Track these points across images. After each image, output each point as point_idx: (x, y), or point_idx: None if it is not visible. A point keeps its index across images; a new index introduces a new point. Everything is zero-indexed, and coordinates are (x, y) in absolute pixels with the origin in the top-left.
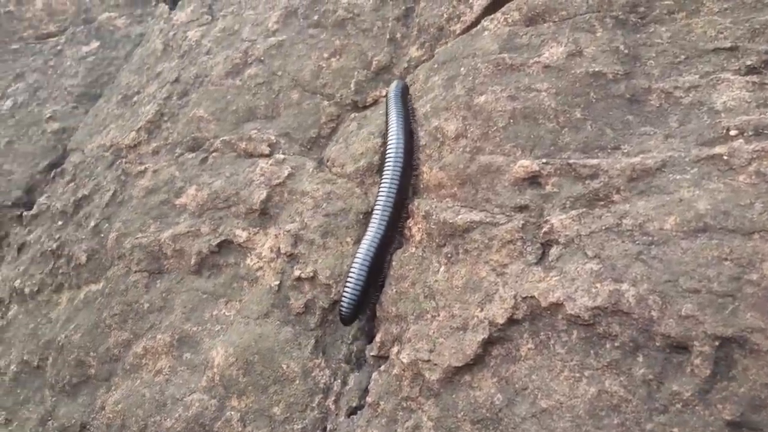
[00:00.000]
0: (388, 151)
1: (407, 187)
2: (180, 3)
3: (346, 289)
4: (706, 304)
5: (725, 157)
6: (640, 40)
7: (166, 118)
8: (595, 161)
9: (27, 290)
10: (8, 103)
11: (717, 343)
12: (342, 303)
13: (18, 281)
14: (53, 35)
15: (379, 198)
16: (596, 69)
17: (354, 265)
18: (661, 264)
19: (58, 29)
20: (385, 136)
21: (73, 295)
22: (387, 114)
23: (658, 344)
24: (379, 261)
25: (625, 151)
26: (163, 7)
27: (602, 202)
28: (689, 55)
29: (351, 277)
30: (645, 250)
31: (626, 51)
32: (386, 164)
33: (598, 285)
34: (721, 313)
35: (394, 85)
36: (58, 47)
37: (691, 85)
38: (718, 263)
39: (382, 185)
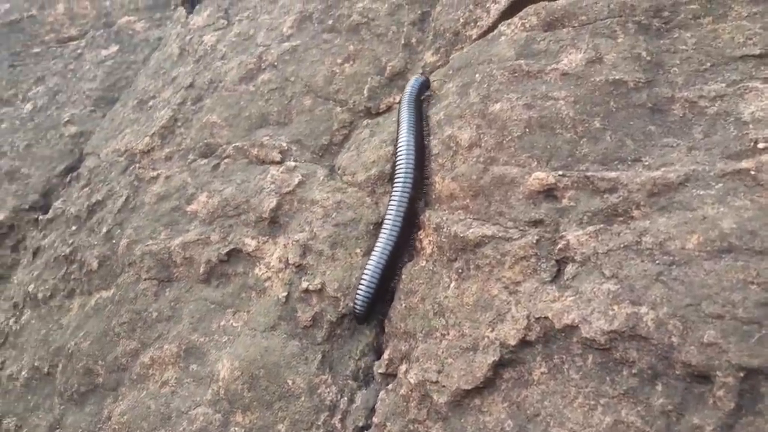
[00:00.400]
0: (400, 147)
1: (422, 184)
2: (197, 7)
3: (361, 286)
4: (731, 331)
5: (752, 172)
6: (663, 46)
7: (179, 124)
8: (614, 174)
9: (40, 295)
10: (28, 106)
11: (742, 374)
12: (356, 300)
13: (32, 286)
14: (74, 39)
15: (393, 199)
16: (617, 77)
17: (370, 262)
18: (683, 286)
19: (79, 33)
20: (398, 125)
21: (84, 302)
22: (399, 111)
23: (678, 373)
24: (395, 260)
25: (647, 163)
26: (181, 11)
27: (621, 218)
28: (715, 63)
29: (366, 274)
30: (665, 271)
31: (649, 58)
32: (399, 161)
33: (616, 307)
34: (746, 341)
35: (411, 81)
36: (79, 51)
37: (717, 94)
38: (744, 287)
39: (396, 184)
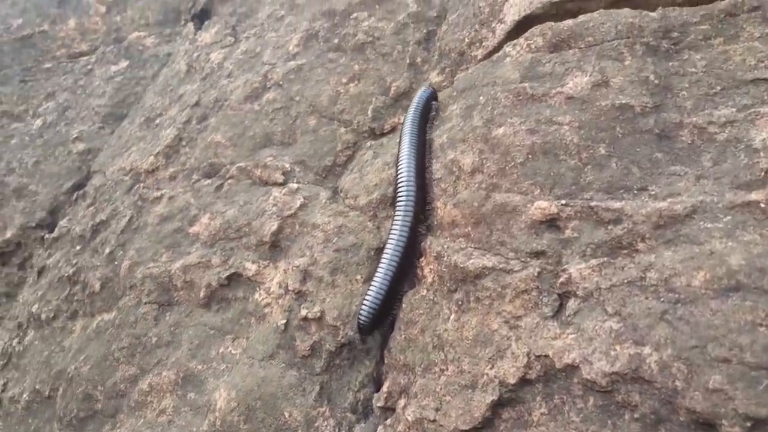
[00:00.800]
0: (401, 157)
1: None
2: (206, 23)
3: (367, 296)
4: (738, 376)
5: (762, 205)
6: (672, 68)
7: (184, 143)
8: (618, 204)
9: (43, 316)
10: (38, 122)
11: (749, 424)
12: (361, 311)
13: (35, 306)
14: (85, 54)
15: (397, 215)
16: (623, 101)
17: (377, 274)
18: (688, 327)
19: (90, 48)
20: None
21: (86, 324)
22: (403, 124)
23: (682, 419)
24: (402, 272)
25: (653, 193)
26: (190, 27)
27: (625, 251)
28: (726, 86)
29: (373, 286)
30: (670, 310)
31: (657, 81)
32: (401, 173)
33: (618, 347)
34: (754, 388)
35: (418, 95)
36: (89, 66)
37: (727, 120)
38: (752, 329)
39: (398, 200)
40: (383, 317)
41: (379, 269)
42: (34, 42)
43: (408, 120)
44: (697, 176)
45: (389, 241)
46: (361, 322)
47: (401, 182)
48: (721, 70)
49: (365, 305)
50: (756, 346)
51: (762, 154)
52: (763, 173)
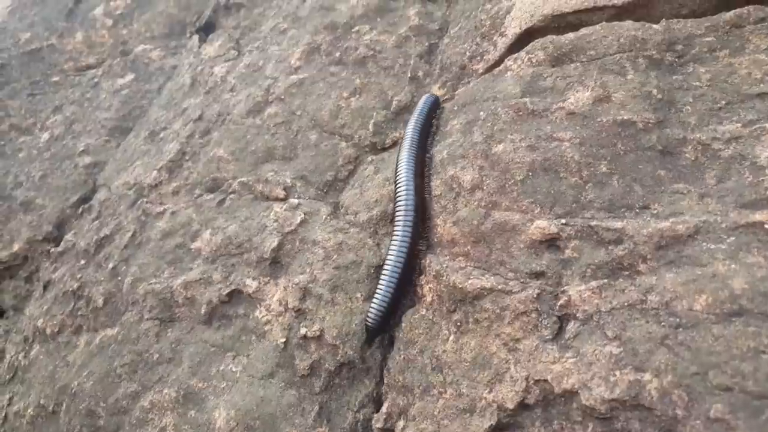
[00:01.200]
0: (401, 157)
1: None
2: (210, 36)
3: (375, 297)
4: (740, 405)
5: (766, 226)
6: (676, 82)
7: (187, 158)
8: (619, 224)
9: (48, 330)
10: (45, 135)
11: None
12: (369, 313)
13: (41, 321)
14: (92, 67)
15: (398, 216)
16: (625, 117)
17: (383, 275)
18: (689, 352)
19: (97, 61)
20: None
21: (90, 339)
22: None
23: None
24: (408, 273)
25: (655, 212)
26: (194, 41)
27: (626, 272)
28: (731, 101)
29: (380, 288)
30: (671, 334)
31: (660, 96)
32: (399, 174)
33: (618, 373)
34: (756, 418)
35: (421, 101)
36: (95, 80)
37: (732, 136)
38: (755, 356)
39: (398, 204)
40: (390, 319)
41: (384, 272)
42: (43, 55)
43: (408, 133)
44: (701, 194)
45: (392, 245)
46: (369, 324)
47: (400, 184)
48: (726, 84)
49: (372, 308)
50: (759, 374)
51: (767, 171)
52: (767, 192)
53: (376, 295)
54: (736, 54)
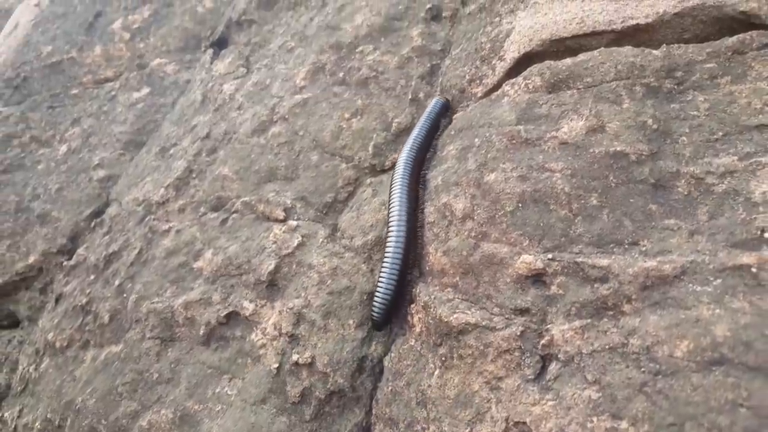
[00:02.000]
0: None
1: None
2: (222, 53)
3: (378, 291)
4: None
5: (753, 270)
6: (672, 111)
7: (194, 175)
8: (606, 262)
9: (58, 344)
10: (63, 148)
11: None
12: (374, 306)
13: (51, 334)
14: (109, 80)
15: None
16: (618, 148)
17: (384, 266)
18: (667, 402)
19: (114, 74)
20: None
21: (96, 355)
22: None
23: None
24: (408, 260)
25: (643, 249)
26: (207, 56)
27: (611, 312)
28: (728, 132)
29: (382, 279)
30: (650, 381)
31: (655, 126)
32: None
33: (595, 419)
34: None
35: (431, 104)
36: (113, 93)
37: (727, 170)
38: (733, 410)
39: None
40: (395, 310)
41: (384, 263)
42: (63, 68)
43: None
44: (691, 231)
45: (390, 233)
46: (375, 317)
47: (397, 174)
48: (725, 113)
49: (377, 300)
50: (736, 428)
51: (761, 208)
52: (759, 232)
53: (378, 287)
54: (738, 81)
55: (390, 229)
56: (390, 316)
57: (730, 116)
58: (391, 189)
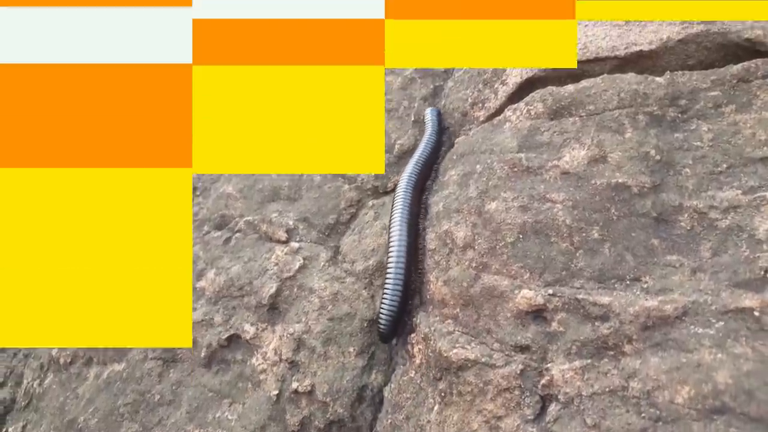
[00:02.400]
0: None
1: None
2: None
3: (383, 303)
4: None
5: (756, 313)
6: (676, 142)
7: (198, 192)
8: (607, 299)
9: (62, 360)
10: None
11: None
12: (380, 318)
13: (55, 350)
14: None
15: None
16: (620, 180)
17: (388, 276)
18: None
19: None
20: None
21: (99, 372)
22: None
23: None
24: (412, 268)
25: (645, 285)
26: None
27: (611, 353)
28: (732, 164)
29: (387, 290)
30: (650, 428)
31: (658, 157)
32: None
33: None
34: None
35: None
36: None
37: (731, 205)
38: None
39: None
40: (401, 320)
41: (388, 273)
42: None
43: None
44: (694, 269)
45: (391, 246)
46: (381, 329)
47: (402, 181)
48: (729, 144)
49: (383, 312)
50: None
51: (765, 246)
52: (762, 272)
53: (384, 298)
54: (742, 110)
55: (391, 240)
56: (396, 328)
57: (735, 147)
58: (393, 201)
